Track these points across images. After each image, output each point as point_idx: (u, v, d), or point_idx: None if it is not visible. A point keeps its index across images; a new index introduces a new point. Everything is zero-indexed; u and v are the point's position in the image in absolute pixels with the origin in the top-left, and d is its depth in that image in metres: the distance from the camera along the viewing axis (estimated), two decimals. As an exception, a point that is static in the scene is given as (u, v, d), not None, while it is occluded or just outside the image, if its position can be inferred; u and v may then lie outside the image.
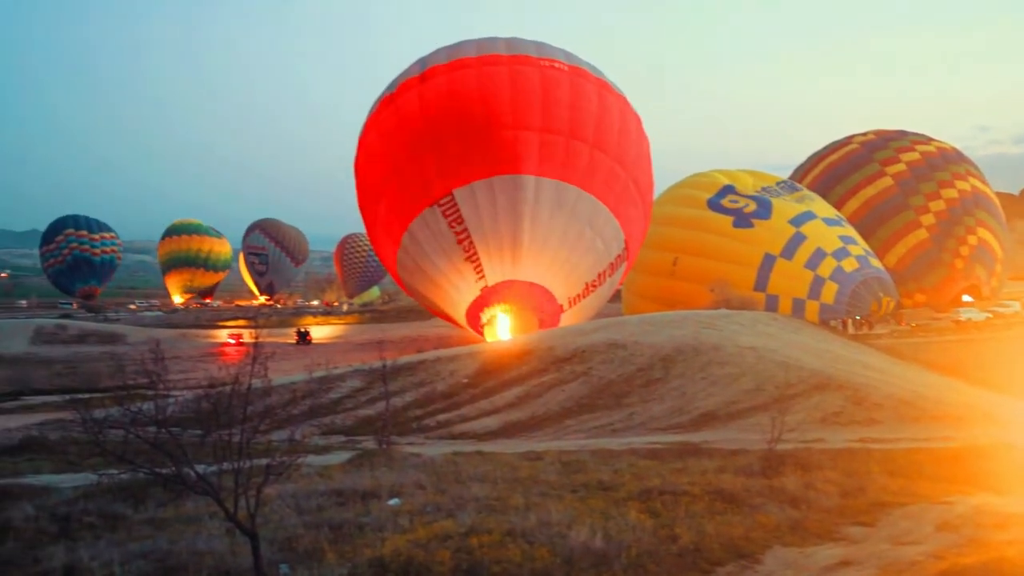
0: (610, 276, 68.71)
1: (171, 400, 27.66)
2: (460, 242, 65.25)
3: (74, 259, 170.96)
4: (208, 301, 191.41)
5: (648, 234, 73.70)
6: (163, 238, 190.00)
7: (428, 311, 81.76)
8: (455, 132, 65.00)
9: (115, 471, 16.83)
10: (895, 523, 17.47)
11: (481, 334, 67.43)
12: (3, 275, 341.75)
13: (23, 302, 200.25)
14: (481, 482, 21.25)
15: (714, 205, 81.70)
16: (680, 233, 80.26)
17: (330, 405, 44.43)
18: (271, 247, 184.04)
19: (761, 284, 77.21)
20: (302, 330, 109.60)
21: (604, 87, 68.21)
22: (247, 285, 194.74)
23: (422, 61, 69.92)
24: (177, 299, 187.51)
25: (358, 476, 22.68)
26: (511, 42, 69.06)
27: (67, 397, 51.37)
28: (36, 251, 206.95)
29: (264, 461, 15.38)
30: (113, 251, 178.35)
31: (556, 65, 66.97)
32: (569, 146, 64.69)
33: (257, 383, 15.72)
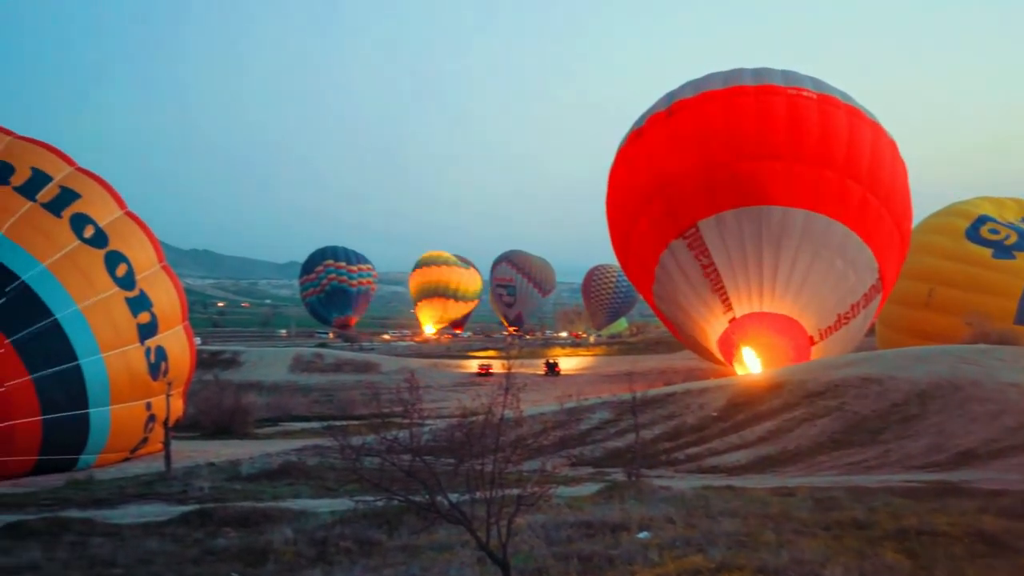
0: (864, 308, 66.98)
1: (425, 429, 28.16)
2: (706, 274, 64.88)
3: (332, 289, 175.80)
4: (459, 332, 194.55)
5: (904, 264, 71.65)
6: (414, 269, 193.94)
7: (684, 344, 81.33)
8: (700, 164, 64.75)
9: (371, 498, 17.19)
10: None
11: (731, 367, 66.79)
12: (245, 304, 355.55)
13: (283, 331, 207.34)
14: (732, 517, 20.95)
15: (972, 235, 78.64)
16: (936, 263, 77.46)
17: (579, 436, 44.59)
18: (518, 278, 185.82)
19: (1023, 317, 74.03)
20: (551, 361, 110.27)
21: (855, 114, 66.66)
22: (497, 316, 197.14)
23: (669, 95, 69.96)
24: (428, 329, 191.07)
25: (607, 508, 22.63)
26: (758, 72, 68.31)
27: (325, 424, 53.05)
28: (295, 281, 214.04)
29: (515, 491, 15.52)
30: (369, 283, 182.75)
31: (804, 94, 65.86)
32: (817, 175, 63.51)
33: (509, 413, 15.87)
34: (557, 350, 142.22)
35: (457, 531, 17.12)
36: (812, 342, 65.18)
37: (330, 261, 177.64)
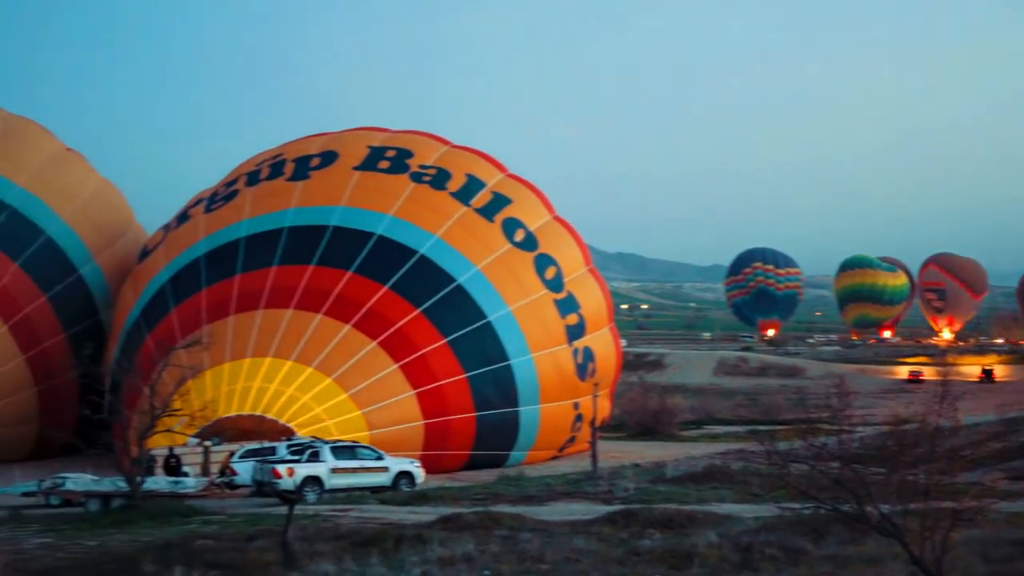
0: None
1: (855, 436, 27.51)
2: None
3: (758, 292, 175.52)
4: (887, 336, 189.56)
5: None
6: (839, 272, 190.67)
7: None
8: None
9: (797, 505, 16.90)
10: None
11: None
12: (644, 306, 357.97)
13: (706, 334, 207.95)
14: None
15: None
16: None
17: (1020, 448, 42.56)
18: (947, 282, 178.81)
19: None
20: (986, 368, 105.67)
21: None
22: (927, 320, 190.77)
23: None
24: (855, 333, 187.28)
25: (1052, 526, 21.36)
26: None
27: (749, 428, 52.66)
28: (718, 285, 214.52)
29: (951, 504, 14.87)
30: (796, 286, 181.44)
31: None
32: None
33: (944, 422, 15.23)
34: (993, 357, 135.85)
35: (887, 543, 16.56)
36: None
37: (758, 263, 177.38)
